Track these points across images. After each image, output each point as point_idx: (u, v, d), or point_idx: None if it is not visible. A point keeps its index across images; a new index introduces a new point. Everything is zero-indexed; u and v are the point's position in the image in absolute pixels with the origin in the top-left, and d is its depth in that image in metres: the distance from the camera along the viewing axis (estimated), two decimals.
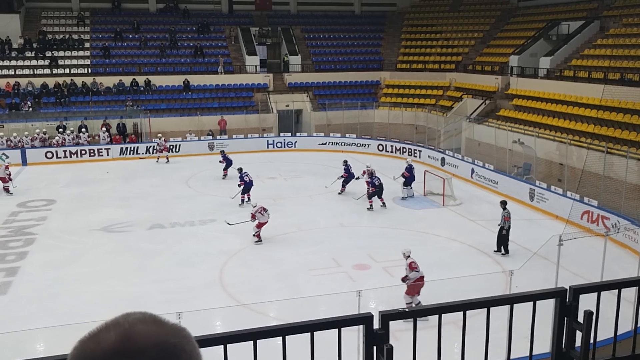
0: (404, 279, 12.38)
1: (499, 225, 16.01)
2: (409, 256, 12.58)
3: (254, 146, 30.62)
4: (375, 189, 19.96)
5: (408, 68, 36.62)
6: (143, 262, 15.50)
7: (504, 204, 16.26)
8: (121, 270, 14.88)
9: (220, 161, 25.14)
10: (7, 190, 21.48)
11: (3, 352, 9.40)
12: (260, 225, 16.64)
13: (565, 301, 2.72)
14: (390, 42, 39.29)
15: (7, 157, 27.47)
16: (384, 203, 20.25)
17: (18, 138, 28.38)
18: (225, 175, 24.86)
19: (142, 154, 29.29)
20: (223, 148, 27.03)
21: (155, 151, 28.88)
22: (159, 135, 29.06)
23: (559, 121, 25.40)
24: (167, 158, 28.51)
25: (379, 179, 20.24)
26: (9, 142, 28.18)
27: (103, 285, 13.78)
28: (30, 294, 13.48)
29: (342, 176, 22.12)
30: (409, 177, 21.50)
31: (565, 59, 28.58)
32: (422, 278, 12.32)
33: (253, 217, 16.58)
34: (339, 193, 21.96)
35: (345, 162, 22.49)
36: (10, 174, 22.48)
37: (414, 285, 12.24)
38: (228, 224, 13.78)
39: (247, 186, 20.66)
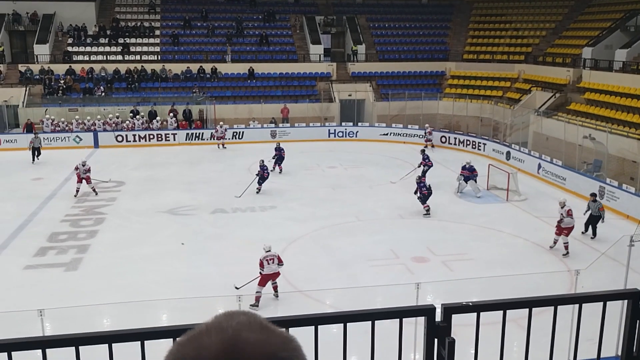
0: (559, 222, 15.32)
1: (594, 214, 16.32)
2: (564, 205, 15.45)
3: (315, 135, 30.76)
4: (428, 193, 18.49)
5: (475, 59, 35.77)
6: (205, 245, 15.91)
7: (594, 195, 16.70)
8: (185, 252, 15.33)
9: (273, 157, 23.95)
10: (94, 190, 20.50)
11: (73, 324, 9.89)
12: (264, 281, 12.20)
13: (638, 304, 2.61)
14: (457, 32, 38.47)
15: (81, 139, 28.75)
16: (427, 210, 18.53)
17: (92, 121, 29.61)
18: (280, 170, 23.98)
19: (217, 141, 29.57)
20: (279, 143, 25.29)
21: (213, 137, 29.13)
22: (221, 123, 29.48)
23: (634, 117, 24.22)
24: (224, 145, 28.72)
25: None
26: (82, 125, 29.43)
27: (167, 266, 14.24)
28: (99, 271, 14.11)
29: (421, 165, 22.56)
30: (470, 175, 20.80)
31: None
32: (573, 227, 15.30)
33: (261, 265, 12.22)
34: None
35: (422, 151, 23.34)
36: (87, 172, 20.43)
37: None
38: (236, 287, 12.15)
39: (262, 179, 20.62)
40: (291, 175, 23.67)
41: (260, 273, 12.08)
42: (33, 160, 25.20)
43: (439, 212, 18.99)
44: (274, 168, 23.59)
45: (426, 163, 22.56)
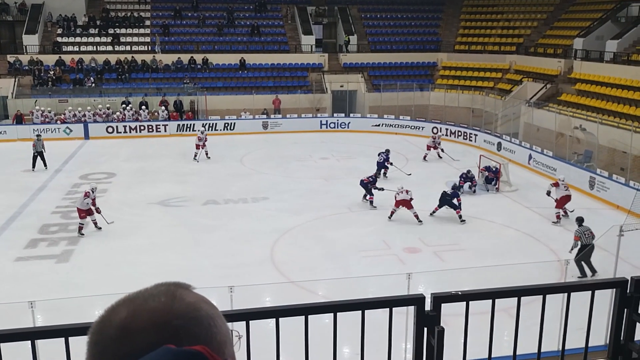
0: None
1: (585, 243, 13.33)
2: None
3: (307, 126, 30.71)
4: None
5: (466, 50, 35.78)
6: (198, 236, 15.89)
7: (579, 221, 13.86)
8: (177, 243, 15.31)
9: (382, 162, 21.75)
10: (95, 224, 16.11)
11: (65, 316, 9.86)
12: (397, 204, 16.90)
13: (625, 292, 2.63)
14: (449, 23, 38.43)
15: (71, 130, 28.58)
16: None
17: (82, 112, 29.41)
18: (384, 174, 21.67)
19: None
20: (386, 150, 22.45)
21: (198, 148, 24.60)
22: (201, 128, 26.80)
23: (624, 107, 24.34)
24: (207, 154, 24.68)
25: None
26: (73, 117, 29.22)
27: (159, 258, 14.22)
28: (90, 263, 14.07)
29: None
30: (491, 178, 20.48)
31: (634, 42, 27.26)
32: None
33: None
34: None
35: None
36: (92, 204, 16.18)
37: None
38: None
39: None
40: (283, 167, 23.65)
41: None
42: (33, 167, 22.37)
43: (430, 202, 19.02)
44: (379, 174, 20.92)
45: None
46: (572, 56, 29.48)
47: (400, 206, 16.92)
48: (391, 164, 21.78)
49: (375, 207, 18.05)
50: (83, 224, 15.97)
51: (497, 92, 31.38)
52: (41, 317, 9.59)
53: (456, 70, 35.12)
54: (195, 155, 24.53)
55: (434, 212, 17.47)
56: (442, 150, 25.00)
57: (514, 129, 27.75)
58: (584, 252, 13.03)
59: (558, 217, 16.93)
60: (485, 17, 37.32)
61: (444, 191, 17.56)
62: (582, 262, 13.01)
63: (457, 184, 18.58)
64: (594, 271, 12.94)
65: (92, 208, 16.02)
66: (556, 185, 17.27)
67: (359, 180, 18.59)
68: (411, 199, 16.82)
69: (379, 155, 21.98)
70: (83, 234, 15.81)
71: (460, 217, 16.99)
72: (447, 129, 29.21)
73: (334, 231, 16.31)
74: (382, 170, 21.52)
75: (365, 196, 18.54)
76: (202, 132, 25.25)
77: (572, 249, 13.42)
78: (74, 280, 13.01)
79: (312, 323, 2.41)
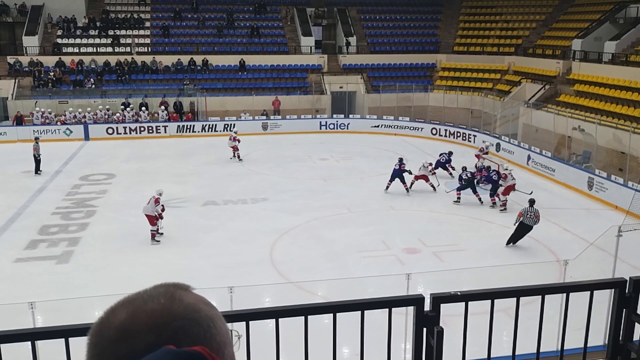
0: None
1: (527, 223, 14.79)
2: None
3: (307, 127, 30.73)
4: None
5: (465, 51, 35.81)
6: (197, 237, 15.88)
7: (531, 202, 15.13)
8: (176, 244, 15.30)
9: (444, 162, 22.06)
10: (156, 233, 15.32)
11: (65, 317, 9.87)
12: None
13: (624, 292, 2.64)
14: (448, 24, 38.47)
15: (71, 131, 28.57)
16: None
17: (83, 114, 29.41)
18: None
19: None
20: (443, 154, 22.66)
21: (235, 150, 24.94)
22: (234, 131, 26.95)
23: (623, 108, 24.37)
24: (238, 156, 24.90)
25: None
26: (73, 118, 29.21)
27: (158, 258, 14.23)
28: (90, 263, 14.06)
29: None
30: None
31: (633, 44, 27.29)
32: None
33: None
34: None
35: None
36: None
37: None
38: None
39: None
40: (283, 167, 23.67)
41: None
42: (36, 171, 22.11)
43: (429, 203, 19.07)
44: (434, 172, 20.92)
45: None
46: (570, 57, 29.50)
47: (420, 180, 19.36)
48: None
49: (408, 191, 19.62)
50: (155, 230, 15.27)
51: (495, 93, 31.40)
52: (41, 318, 9.59)
53: (455, 71, 35.14)
54: (238, 157, 24.71)
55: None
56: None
57: (512, 130, 27.79)
58: (518, 232, 14.88)
59: (504, 204, 18.33)
60: (484, 18, 37.35)
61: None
62: (514, 238, 15.02)
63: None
64: (513, 241, 15.03)
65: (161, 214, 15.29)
66: (505, 177, 18.47)
67: (393, 170, 19.73)
68: (433, 172, 19.60)
69: (440, 155, 22.51)
70: (159, 241, 15.20)
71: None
72: (446, 130, 29.25)
73: (333, 231, 16.32)
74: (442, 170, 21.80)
75: (387, 187, 19.75)
76: (235, 132, 26.16)
77: (515, 223, 14.96)
78: (73, 281, 13.01)
79: (311, 323, 2.42)
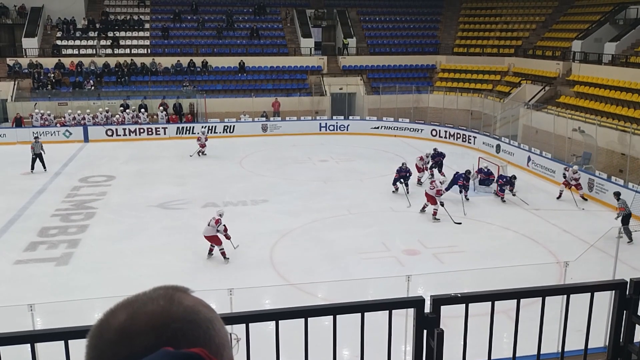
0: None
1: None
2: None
3: (306, 128, 30.73)
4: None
5: (465, 52, 35.83)
6: (197, 238, 15.85)
7: (617, 195, 16.49)
8: (176, 246, 15.29)
9: (436, 161, 22.17)
10: (223, 254, 14.31)
11: (65, 318, 9.86)
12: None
13: (625, 294, 2.64)
14: (448, 26, 38.49)
15: (71, 133, 28.57)
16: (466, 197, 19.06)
17: (82, 115, 29.40)
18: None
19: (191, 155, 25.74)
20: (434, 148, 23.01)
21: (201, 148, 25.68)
22: (202, 130, 27.57)
23: (623, 109, 24.38)
24: (203, 152, 25.67)
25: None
26: (72, 120, 29.22)
27: (159, 260, 14.21)
28: (90, 265, 14.04)
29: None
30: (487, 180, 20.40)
31: (632, 45, 27.31)
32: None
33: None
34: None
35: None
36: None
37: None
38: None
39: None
40: (282, 169, 23.67)
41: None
42: (32, 169, 22.41)
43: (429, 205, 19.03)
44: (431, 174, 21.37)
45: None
46: (570, 58, 29.52)
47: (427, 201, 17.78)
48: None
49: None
50: (223, 249, 14.28)
51: (495, 94, 31.40)
52: (41, 320, 9.58)
53: (455, 72, 35.16)
54: (202, 153, 25.55)
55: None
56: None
57: (512, 131, 27.79)
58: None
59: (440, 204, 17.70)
60: (483, 19, 37.37)
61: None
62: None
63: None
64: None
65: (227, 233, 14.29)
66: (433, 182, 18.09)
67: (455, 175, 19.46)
68: (439, 192, 17.39)
69: (456, 173, 20.01)
70: (228, 258, 14.24)
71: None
72: (445, 131, 29.25)
73: (333, 233, 16.30)
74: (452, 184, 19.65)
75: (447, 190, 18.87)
76: (203, 134, 26.21)
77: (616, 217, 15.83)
78: (73, 283, 12.99)
79: (311, 325, 2.41)
